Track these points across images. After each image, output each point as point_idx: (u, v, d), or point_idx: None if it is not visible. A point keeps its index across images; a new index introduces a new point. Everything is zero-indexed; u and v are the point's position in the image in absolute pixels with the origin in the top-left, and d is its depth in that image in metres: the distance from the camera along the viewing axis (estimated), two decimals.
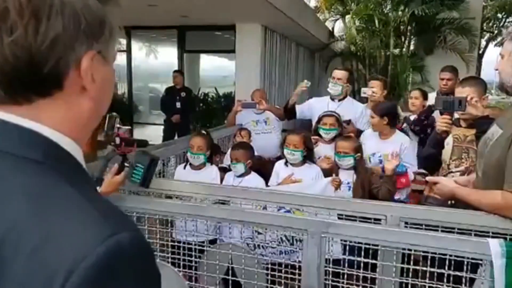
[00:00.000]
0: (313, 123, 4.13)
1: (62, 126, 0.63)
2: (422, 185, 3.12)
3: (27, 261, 0.50)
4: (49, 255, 0.50)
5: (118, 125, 2.12)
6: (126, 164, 2.07)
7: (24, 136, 0.60)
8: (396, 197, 3.47)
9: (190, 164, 3.34)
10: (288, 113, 4.47)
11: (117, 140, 2.30)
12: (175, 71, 8.06)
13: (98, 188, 1.99)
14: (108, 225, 0.53)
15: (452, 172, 2.75)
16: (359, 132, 3.97)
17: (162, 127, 7.97)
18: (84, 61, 0.61)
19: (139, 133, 8.81)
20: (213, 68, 10.87)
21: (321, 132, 3.70)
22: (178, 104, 7.44)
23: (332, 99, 4.23)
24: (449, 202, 2.42)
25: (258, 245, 2.27)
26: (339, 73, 4.20)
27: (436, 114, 3.32)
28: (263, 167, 3.59)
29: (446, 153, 2.81)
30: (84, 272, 0.49)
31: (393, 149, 3.54)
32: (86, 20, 0.61)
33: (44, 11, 0.57)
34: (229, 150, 3.51)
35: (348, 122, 4.05)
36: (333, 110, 3.96)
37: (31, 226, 0.52)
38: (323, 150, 3.65)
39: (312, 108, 4.36)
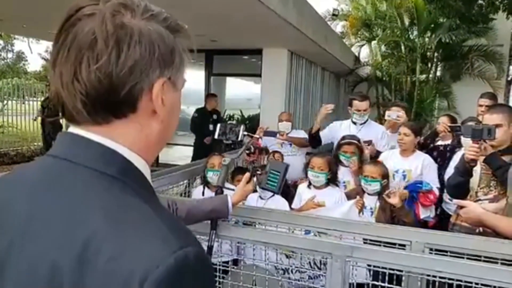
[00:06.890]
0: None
1: (134, 145, 0.70)
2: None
3: (105, 268, 0.56)
4: (124, 264, 0.56)
5: (245, 133, 2.12)
6: (258, 171, 2.08)
7: (105, 154, 0.67)
8: (422, 216, 3.48)
9: (208, 186, 3.36)
10: (313, 140, 4.50)
11: (252, 148, 2.30)
12: (211, 95, 7.96)
13: (223, 195, 1.99)
14: (175, 239, 0.59)
15: (480, 200, 2.71)
16: (378, 153, 4.02)
17: (189, 148, 7.86)
18: (156, 86, 0.68)
19: (164, 154, 8.90)
20: (239, 91, 11.01)
21: (342, 158, 3.72)
22: (211, 127, 7.27)
23: (354, 123, 4.31)
24: (477, 230, 2.39)
25: (287, 270, 2.26)
26: (363, 105, 4.25)
27: (463, 140, 3.29)
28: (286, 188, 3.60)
29: (474, 181, 2.77)
30: (155, 279, 0.55)
31: (416, 165, 3.62)
32: (159, 49, 0.67)
33: (125, 41, 0.64)
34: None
35: (369, 142, 4.09)
36: (355, 133, 4.08)
37: (109, 237, 0.58)
38: (342, 174, 3.66)
39: (334, 132, 4.42)
